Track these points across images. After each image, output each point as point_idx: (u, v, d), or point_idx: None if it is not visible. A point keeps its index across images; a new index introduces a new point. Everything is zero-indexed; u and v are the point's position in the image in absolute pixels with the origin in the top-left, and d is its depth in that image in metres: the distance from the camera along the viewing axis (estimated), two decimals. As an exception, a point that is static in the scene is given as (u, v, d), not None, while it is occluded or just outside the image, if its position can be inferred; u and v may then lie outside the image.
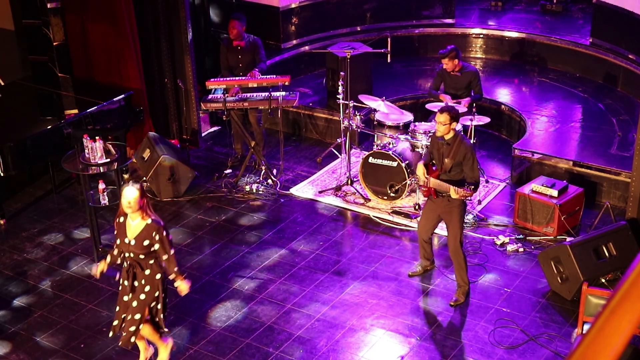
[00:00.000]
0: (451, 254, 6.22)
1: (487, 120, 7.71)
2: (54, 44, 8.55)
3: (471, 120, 7.42)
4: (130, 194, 4.93)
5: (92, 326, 6.14)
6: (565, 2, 11.15)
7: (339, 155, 8.50)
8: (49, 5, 8.40)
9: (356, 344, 5.85)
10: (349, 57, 8.41)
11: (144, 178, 8.02)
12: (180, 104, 8.84)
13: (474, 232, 7.21)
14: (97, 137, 6.72)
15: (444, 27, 10.76)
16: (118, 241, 5.19)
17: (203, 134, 9.18)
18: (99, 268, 5.32)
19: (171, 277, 5.20)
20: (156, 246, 5.02)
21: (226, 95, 7.84)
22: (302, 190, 8.05)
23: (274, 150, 8.64)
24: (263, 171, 8.15)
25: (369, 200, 7.77)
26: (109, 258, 5.28)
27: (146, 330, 5.28)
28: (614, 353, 1.22)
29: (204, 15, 10.06)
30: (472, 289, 6.37)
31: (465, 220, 7.29)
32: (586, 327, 5.27)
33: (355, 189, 7.93)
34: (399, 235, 7.27)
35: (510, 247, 6.96)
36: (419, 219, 6.59)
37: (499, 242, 7.03)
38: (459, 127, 7.46)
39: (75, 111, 7.88)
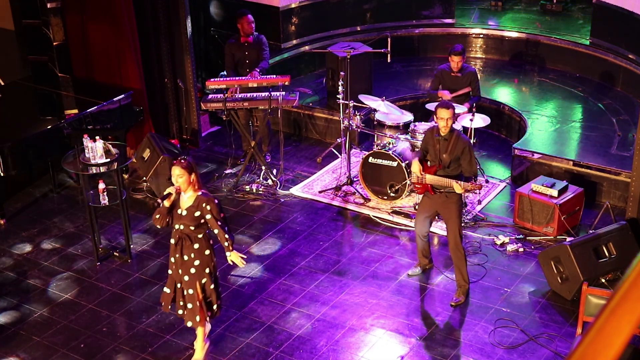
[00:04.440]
0: (452, 251, 6.21)
1: (487, 121, 7.70)
2: (54, 44, 8.55)
3: (471, 120, 7.42)
4: (177, 171, 5.24)
5: (92, 326, 6.13)
6: (565, 2, 11.16)
7: (339, 155, 8.50)
8: (49, 5, 8.40)
9: (356, 344, 5.85)
10: (349, 57, 8.41)
11: (144, 178, 8.02)
12: (180, 104, 8.84)
13: (474, 232, 7.21)
14: (97, 137, 6.72)
15: (444, 27, 10.76)
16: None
17: (203, 134, 9.17)
18: (168, 200, 5.28)
19: (225, 250, 5.38)
20: (207, 216, 5.23)
21: (226, 95, 7.85)
22: (302, 190, 8.05)
23: (274, 150, 8.64)
24: (263, 171, 8.15)
25: (369, 200, 7.77)
26: (167, 203, 5.28)
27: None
28: (614, 353, 1.22)
29: (204, 14, 10.06)
30: (472, 289, 6.37)
31: (465, 220, 7.31)
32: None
33: (355, 189, 7.93)
34: (399, 235, 7.27)
35: (510, 247, 6.96)
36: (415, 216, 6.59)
37: (499, 242, 7.03)
38: (458, 126, 7.50)
39: (75, 111, 7.87)
